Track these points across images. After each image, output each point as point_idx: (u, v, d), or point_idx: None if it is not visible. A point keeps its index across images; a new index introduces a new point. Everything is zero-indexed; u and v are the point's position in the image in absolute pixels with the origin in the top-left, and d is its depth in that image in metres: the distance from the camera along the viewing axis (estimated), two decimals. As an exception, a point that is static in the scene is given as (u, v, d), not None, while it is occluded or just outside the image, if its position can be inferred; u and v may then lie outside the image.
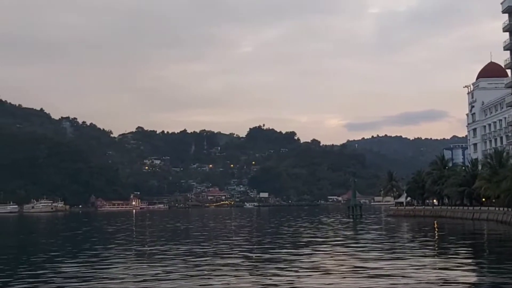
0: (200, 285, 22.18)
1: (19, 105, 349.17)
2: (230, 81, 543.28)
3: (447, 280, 22.22)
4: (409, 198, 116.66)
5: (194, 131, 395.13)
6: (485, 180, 75.42)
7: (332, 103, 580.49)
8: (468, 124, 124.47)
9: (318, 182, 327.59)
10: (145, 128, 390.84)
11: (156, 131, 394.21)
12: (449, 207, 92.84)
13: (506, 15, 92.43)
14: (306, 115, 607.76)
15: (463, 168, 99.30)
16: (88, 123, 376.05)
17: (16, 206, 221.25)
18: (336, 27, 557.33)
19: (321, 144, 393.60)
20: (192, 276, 24.62)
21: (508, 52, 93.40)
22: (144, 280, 23.56)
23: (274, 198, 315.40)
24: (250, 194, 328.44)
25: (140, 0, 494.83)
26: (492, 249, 39.00)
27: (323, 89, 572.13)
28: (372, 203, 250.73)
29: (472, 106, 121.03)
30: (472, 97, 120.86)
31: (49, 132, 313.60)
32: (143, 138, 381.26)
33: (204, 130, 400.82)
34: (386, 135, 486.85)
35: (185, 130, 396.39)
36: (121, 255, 35.22)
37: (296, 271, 25.50)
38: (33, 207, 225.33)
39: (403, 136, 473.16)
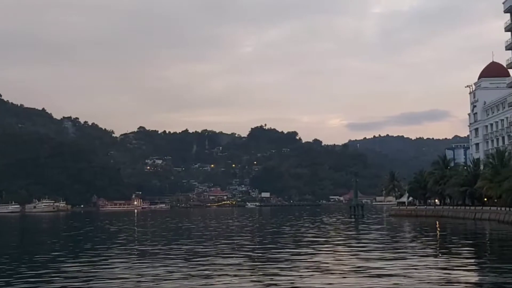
0: (201, 285, 22.17)
1: (21, 105, 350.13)
2: (233, 81, 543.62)
3: (449, 280, 22.21)
4: (411, 198, 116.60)
5: (196, 131, 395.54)
6: (487, 180, 75.43)
7: (334, 103, 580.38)
8: (470, 124, 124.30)
9: (320, 182, 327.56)
10: (147, 128, 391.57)
11: (158, 131, 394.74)
12: (451, 207, 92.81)
13: (508, 14, 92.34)
14: (308, 115, 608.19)
15: (465, 168, 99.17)
16: (90, 123, 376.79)
17: (18, 206, 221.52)
18: (339, 27, 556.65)
19: (323, 144, 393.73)
20: (193, 276, 24.64)
21: (510, 51, 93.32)
22: (146, 280, 23.56)
23: (275, 198, 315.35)
24: (252, 194, 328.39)
25: (143, 0, 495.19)
26: (494, 249, 38.99)
27: (325, 89, 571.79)
28: (374, 203, 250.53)
29: (474, 106, 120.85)
30: (474, 97, 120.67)
31: (51, 132, 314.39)
32: (145, 138, 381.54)
33: (206, 130, 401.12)
34: (388, 135, 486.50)
35: (186, 130, 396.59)
36: (123, 255, 35.22)
37: (298, 271, 25.49)
38: (35, 207, 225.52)
39: (405, 136, 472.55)
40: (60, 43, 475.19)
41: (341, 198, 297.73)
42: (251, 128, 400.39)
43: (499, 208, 71.38)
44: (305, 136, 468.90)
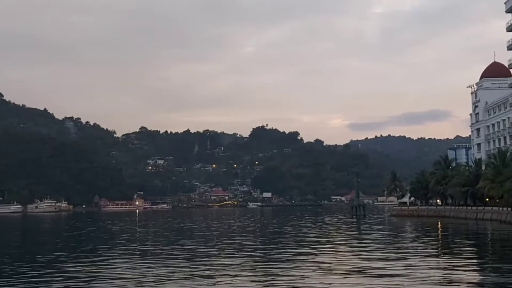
0: (203, 285, 22.19)
1: (23, 105, 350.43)
2: (234, 81, 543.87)
3: (450, 280, 22.21)
4: (412, 198, 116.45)
5: (197, 131, 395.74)
6: (489, 180, 75.36)
7: (336, 103, 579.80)
8: (472, 124, 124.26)
9: (321, 182, 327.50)
10: (149, 128, 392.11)
11: (159, 131, 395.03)
12: (453, 207, 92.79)
13: (510, 14, 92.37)
14: (309, 115, 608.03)
15: (467, 168, 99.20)
16: (91, 123, 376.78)
17: (20, 206, 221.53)
18: (339, 27, 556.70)
19: (324, 144, 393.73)
20: (195, 276, 24.67)
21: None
22: (148, 280, 23.58)
23: (277, 198, 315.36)
24: (254, 194, 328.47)
25: (143, 0, 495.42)
26: (495, 249, 38.95)
27: (327, 89, 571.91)
28: (375, 203, 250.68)
29: (476, 106, 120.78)
30: (476, 97, 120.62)
31: (53, 132, 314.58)
32: (147, 138, 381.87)
33: (208, 130, 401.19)
34: (389, 135, 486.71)
35: (188, 130, 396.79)
36: (125, 255, 35.26)
37: (300, 271, 25.49)
38: (36, 207, 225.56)
39: (407, 136, 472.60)
40: (60, 43, 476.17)
41: (343, 198, 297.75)
42: (253, 128, 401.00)
43: (500, 208, 71.40)
44: (307, 136, 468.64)
